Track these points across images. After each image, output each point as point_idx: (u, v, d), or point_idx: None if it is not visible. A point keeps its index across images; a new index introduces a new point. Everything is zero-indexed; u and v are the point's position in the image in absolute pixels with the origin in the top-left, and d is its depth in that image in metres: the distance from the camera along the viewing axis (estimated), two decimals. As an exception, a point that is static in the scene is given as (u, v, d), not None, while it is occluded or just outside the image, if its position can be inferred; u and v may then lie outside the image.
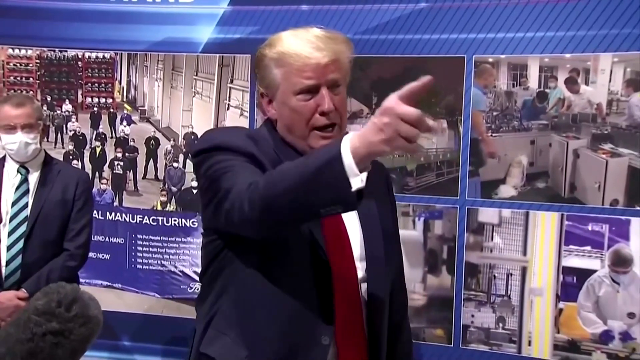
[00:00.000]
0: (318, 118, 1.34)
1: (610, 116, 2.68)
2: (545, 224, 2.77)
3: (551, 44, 2.72)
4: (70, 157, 3.49)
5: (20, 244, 2.49)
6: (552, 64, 2.76)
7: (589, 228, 2.71)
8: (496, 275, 2.86)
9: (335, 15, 3.00)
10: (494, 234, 2.86)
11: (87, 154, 3.50)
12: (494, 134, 2.85)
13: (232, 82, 3.31)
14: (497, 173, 2.85)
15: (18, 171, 2.56)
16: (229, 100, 3.33)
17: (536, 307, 2.79)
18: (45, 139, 3.51)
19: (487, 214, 2.86)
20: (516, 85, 2.82)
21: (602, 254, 2.70)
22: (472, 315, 2.88)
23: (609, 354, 2.68)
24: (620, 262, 2.67)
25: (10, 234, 2.49)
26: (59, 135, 3.54)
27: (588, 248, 2.72)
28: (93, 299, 0.87)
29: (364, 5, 2.98)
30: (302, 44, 1.32)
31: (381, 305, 1.40)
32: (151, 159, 3.44)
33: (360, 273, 1.38)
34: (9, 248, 2.48)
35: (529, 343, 2.80)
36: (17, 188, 2.54)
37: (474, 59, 2.84)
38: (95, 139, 3.50)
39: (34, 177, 2.57)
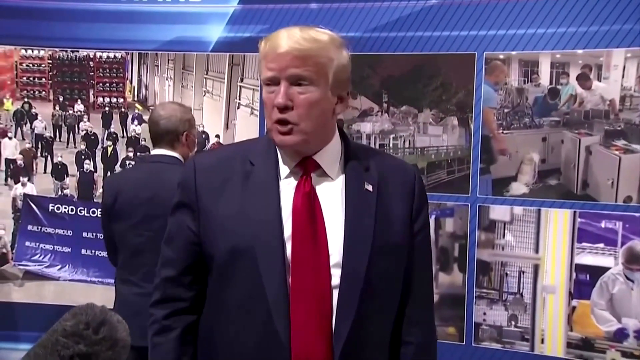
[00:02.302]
0: (274, 111, 1.30)
1: (623, 112, 2.65)
2: (558, 221, 2.75)
3: (563, 40, 2.70)
4: (82, 156, 3.52)
5: None
6: (563, 60, 2.73)
7: (602, 225, 2.69)
8: (508, 272, 2.84)
9: (345, 13, 3.00)
10: (506, 231, 2.84)
11: (99, 153, 3.52)
12: (505, 131, 2.84)
13: (242, 80, 3.32)
14: (509, 170, 2.83)
15: None
16: (240, 99, 3.34)
17: (549, 304, 2.78)
18: (58, 139, 3.56)
19: (498, 212, 2.85)
20: (527, 82, 2.80)
21: (615, 251, 2.68)
22: (484, 313, 2.87)
23: (624, 352, 2.66)
24: (634, 259, 2.65)
25: None
26: (71, 135, 3.56)
27: (601, 245, 2.70)
28: (121, 321, 0.86)
29: (373, 3, 2.97)
30: (279, 37, 1.31)
31: (351, 317, 1.30)
32: (162, 158, 3.45)
33: (335, 280, 1.31)
34: None
35: (542, 341, 2.78)
36: None
37: (484, 55, 2.82)
38: (107, 139, 3.52)
39: None
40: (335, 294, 1.30)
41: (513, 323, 2.84)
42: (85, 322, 0.83)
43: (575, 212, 2.72)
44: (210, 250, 1.35)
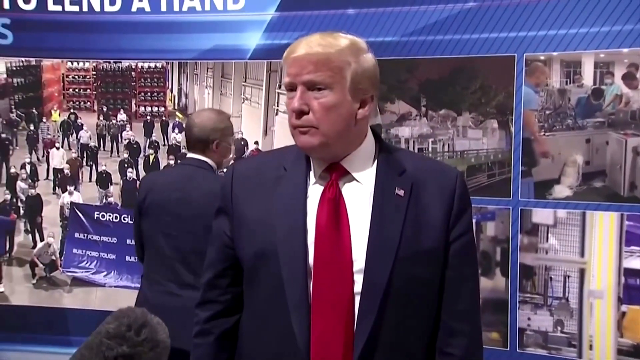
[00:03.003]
0: (293, 116, 1.31)
1: (671, 111, 2.57)
2: (604, 224, 2.69)
3: (607, 39, 2.63)
4: (125, 165, 3.60)
5: None
6: (608, 60, 2.67)
7: (651, 228, 2.61)
8: (553, 277, 2.79)
9: (382, 18, 2.99)
10: (549, 235, 2.79)
11: (141, 161, 3.60)
12: (547, 133, 2.78)
13: (280, 87, 3.34)
14: (551, 173, 2.78)
15: None
16: (278, 106, 3.36)
17: (596, 310, 2.71)
18: (102, 148, 3.65)
19: (541, 215, 2.79)
20: (570, 83, 2.74)
21: (665, 255, 2.60)
22: (529, 319, 2.82)
23: (676, 359, 2.58)
24: (685, 263, 2.56)
25: None
26: (114, 144, 3.65)
27: (651, 249, 2.62)
28: (161, 323, 0.89)
29: (410, 6, 2.95)
30: (295, 44, 1.32)
31: (370, 324, 1.28)
32: (203, 166, 3.50)
33: (357, 286, 1.29)
34: None
35: (590, 347, 2.72)
36: None
37: (524, 57, 2.77)
38: (148, 147, 3.60)
39: None
40: (357, 300, 1.30)
41: (559, 328, 2.78)
42: (127, 324, 0.86)
43: (622, 214, 2.65)
44: (241, 254, 1.39)
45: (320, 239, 1.31)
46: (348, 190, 1.34)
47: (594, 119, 2.71)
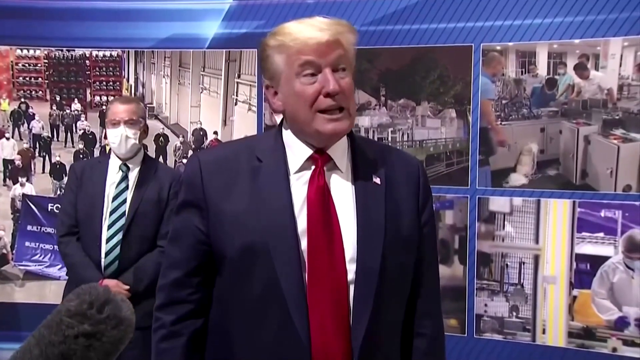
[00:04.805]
0: (323, 100, 1.27)
1: (621, 101, 2.65)
2: (557, 212, 2.76)
3: (560, 30, 2.70)
4: (81, 155, 3.51)
5: (119, 237, 2.61)
6: (561, 50, 2.73)
7: (602, 214, 2.69)
8: (508, 264, 2.85)
9: (342, 7, 2.99)
10: (506, 222, 2.85)
11: (97, 152, 3.52)
12: (503, 123, 2.84)
13: (239, 77, 3.31)
14: (508, 161, 2.84)
15: (120, 168, 2.69)
16: (237, 95, 3.33)
17: (550, 295, 2.78)
18: (56, 139, 3.55)
19: (498, 203, 2.85)
20: (525, 73, 2.79)
21: (615, 240, 2.68)
22: (485, 305, 2.88)
23: (625, 340, 2.67)
24: (634, 248, 2.65)
25: (109, 227, 2.62)
26: (69, 134, 3.55)
27: (601, 235, 2.70)
28: (125, 300, 0.85)
29: (369, -4, 2.96)
30: (302, 27, 1.29)
31: (368, 312, 1.29)
32: (160, 156, 3.45)
33: (350, 275, 1.29)
34: (107, 240, 2.61)
35: (543, 331, 2.79)
36: (118, 184, 2.68)
37: (481, 47, 2.82)
38: (104, 137, 3.51)
39: (133, 175, 2.69)
40: (352, 289, 1.29)
41: (514, 314, 2.84)
42: (89, 301, 0.82)
43: (574, 202, 2.73)
44: (222, 249, 1.32)
45: (313, 227, 1.29)
46: (330, 178, 1.34)
47: (548, 109, 2.78)
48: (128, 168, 2.68)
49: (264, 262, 1.28)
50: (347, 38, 1.30)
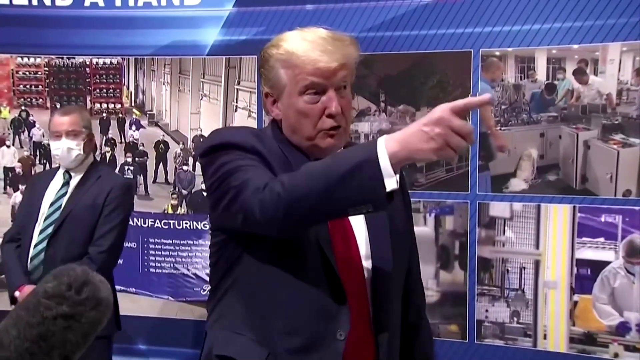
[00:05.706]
0: (325, 120, 1.33)
1: (620, 106, 2.66)
2: (558, 217, 2.76)
3: (558, 35, 2.70)
4: (81, 163, 3.51)
5: (45, 243, 2.59)
6: (560, 56, 2.74)
7: (602, 219, 2.69)
8: (509, 269, 2.84)
9: (340, 13, 3.00)
10: (506, 228, 2.85)
11: (98, 159, 3.51)
12: (503, 128, 2.84)
13: (239, 83, 3.32)
14: (508, 167, 2.84)
15: (63, 175, 2.70)
16: (237, 102, 3.34)
17: (550, 300, 2.78)
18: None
19: (498, 208, 2.85)
20: (524, 78, 2.80)
21: (616, 245, 2.68)
22: (486, 310, 2.87)
23: (626, 345, 2.66)
24: (635, 253, 2.65)
25: (40, 232, 2.62)
26: (69, 141, 3.55)
27: (602, 239, 2.70)
28: (104, 281, 0.85)
29: (368, 2, 2.97)
30: (311, 47, 1.31)
31: (387, 304, 1.39)
32: (161, 163, 3.45)
33: (367, 272, 1.37)
34: (35, 245, 2.60)
35: (545, 337, 2.78)
36: (58, 191, 2.68)
37: (480, 52, 2.83)
38: (105, 145, 3.52)
39: (74, 182, 2.69)
40: (369, 284, 1.36)
41: (515, 319, 2.84)
42: (67, 283, 0.81)
43: (574, 207, 2.73)
44: None
45: (332, 223, 1.34)
46: None
47: (548, 114, 2.78)
48: (70, 176, 2.69)
49: (305, 248, 1.32)
50: (352, 58, 1.35)
